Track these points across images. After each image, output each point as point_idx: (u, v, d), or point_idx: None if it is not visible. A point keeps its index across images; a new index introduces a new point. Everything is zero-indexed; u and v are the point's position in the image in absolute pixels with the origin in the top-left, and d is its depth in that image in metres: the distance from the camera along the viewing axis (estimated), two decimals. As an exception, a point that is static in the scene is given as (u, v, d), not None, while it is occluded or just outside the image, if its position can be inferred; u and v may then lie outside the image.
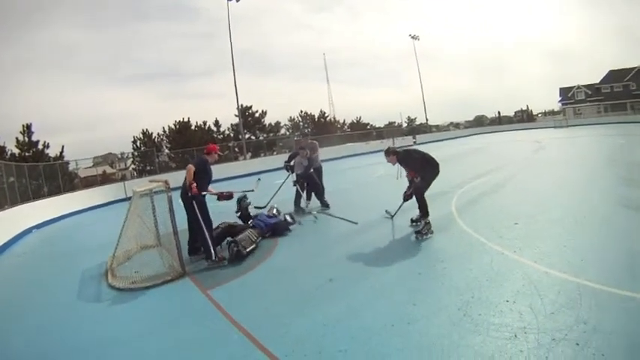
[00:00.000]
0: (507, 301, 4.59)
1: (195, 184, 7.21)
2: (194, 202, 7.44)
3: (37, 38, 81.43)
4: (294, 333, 4.48)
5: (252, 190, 9.09)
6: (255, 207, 10.47)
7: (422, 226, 7.75)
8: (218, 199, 8.07)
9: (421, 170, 7.82)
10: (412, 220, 8.30)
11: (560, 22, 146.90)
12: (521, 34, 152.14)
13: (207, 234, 7.55)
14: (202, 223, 7.53)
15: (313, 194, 11.79)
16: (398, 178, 8.20)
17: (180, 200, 7.62)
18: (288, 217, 9.75)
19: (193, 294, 6.25)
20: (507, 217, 8.18)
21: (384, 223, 8.97)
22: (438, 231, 7.78)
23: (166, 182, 7.40)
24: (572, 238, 6.55)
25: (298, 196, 11.53)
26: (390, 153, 8.16)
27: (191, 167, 7.46)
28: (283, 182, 11.54)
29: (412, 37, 64.14)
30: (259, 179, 10.23)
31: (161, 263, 7.86)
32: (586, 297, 4.47)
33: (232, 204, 9.04)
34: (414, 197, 7.94)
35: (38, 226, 17.70)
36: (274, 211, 10.04)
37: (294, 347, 4.16)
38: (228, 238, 8.10)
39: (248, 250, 7.88)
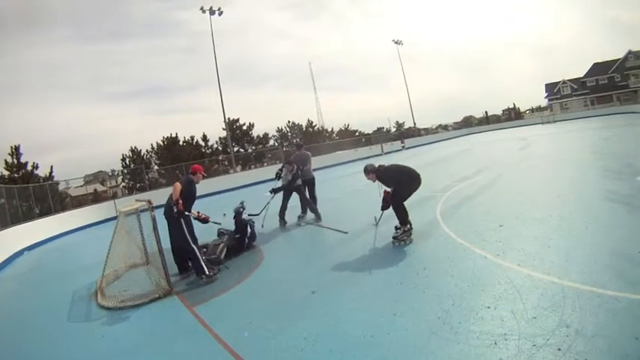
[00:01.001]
0: (488, 307, 4.59)
1: (181, 202, 7.27)
2: (182, 220, 7.48)
3: (21, 58, 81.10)
4: (276, 348, 4.51)
5: (219, 223, 9.02)
6: (250, 215, 10.43)
7: (400, 232, 7.80)
8: (194, 219, 7.99)
9: (398, 185, 7.83)
10: (396, 228, 8.29)
11: (543, 18, 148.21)
12: (505, 33, 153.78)
13: (197, 251, 7.57)
14: (190, 240, 7.55)
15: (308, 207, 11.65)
16: (380, 195, 8.18)
17: (164, 217, 7.69)
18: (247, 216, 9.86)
19: (180, 311, 6.29)
20: (492, 220, 8.19)
21: (370, 232, 8.96)
22: (422, 237, 7.83)
23: (149, 202, 7.44)
24: (556, 238, 6.55)
25: (283, 209, 11.40)
26: (368, 172, 8.21)
27: (178, 185, 7.53)
28: (274, 194, 11.43)
29: (395, 42, 64.25)
30: (225, 214, 10.70)
31: (149, 281, 7.86)
32: (569, 299, 4.47)
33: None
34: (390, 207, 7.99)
35: (29, 248, 17.66)
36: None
37: (275, 362, 4.20)
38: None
39: (222, 256, 8.39)
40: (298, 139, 54.00)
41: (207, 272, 7.50)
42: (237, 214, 9.59)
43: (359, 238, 8.70)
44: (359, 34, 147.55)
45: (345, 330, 4.67)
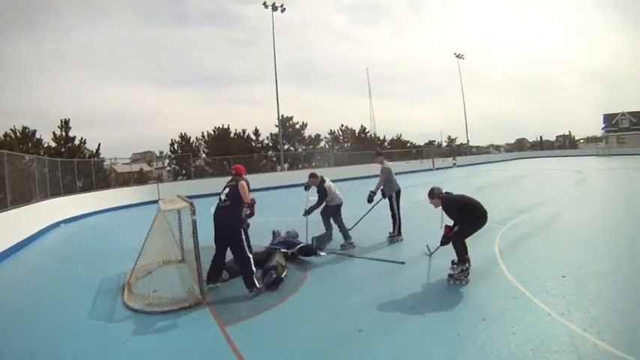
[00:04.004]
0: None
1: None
2: (242, 231, 7.18)
3: (85, 35, 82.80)
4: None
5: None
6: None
7: (457, 271, 7.20)
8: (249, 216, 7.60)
9: (463, 222, 7.23)
10: (453, 263, 7.69)
11: (609, 43, 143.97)
12: (565, 56, 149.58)
13: (252, 262, 7.19)
14: (247, 250, 7.20)
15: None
16: (442, 226, 7.60)
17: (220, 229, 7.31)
18: (314, 242, 9.47)
19: (210, 328, 5.82)
20: (554, 267, 7.54)
21: (422, 262, 8.42)
22: (480, 278, 7.21)
23: (192, 205, 6.97)
24: (622, 301, 5.89)
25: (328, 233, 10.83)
26: (434, 196, 7.60)
27: (245, 185, 7.26)
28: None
29: (457, 56, 63.54)
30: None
31: (181, 285, 7.48)
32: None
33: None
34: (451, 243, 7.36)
35: (67, 221, 17.99)
36: (289, 234, 9.82)
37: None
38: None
39: (282, 275, 7.59)
40: (347, 145, 53.93)
41: (257, 285, 7.08)
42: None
43: (411, 269, 8.14)
44: (417, 43, 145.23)
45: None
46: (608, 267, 7.43)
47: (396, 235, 10.57)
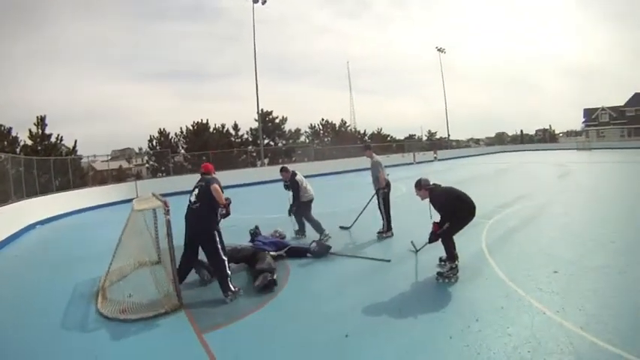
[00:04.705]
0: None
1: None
2: (215, 233, 6.86)
3: (58, 31, 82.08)
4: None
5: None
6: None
7: (446, 268, 6.93)
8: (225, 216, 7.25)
9: (452, 217, 6.90)
10: (440, 260, 7.48)
11: (588, 40, 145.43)
12: (547, 51, 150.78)
13: (227, 264, 6.87)
14: (222, 251, 6.87)
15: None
16: (431, 217, 7.29)
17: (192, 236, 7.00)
18: (314, 245, 9.00)
19: (186, 336, 5.46)
20: (544, 262, 7.35)
21: (409, 260, 8.16)
22: (470, 276, 6.94)
23: (166, 204, 6.60)
24: (617, 296, 5.75)
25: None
26: (421, 187, 7.27)
27: (218, 187, 6.91)
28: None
29: (438, 50, 63.74)
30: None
31: (156, 289, 7.08)
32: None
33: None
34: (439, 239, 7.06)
35: (42, 222, 17.56)
36: (277, 233, 9.55)
37: None
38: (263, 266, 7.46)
39: (275, 278, 7.24)
40: (327, 139, 53.83)
41: (233, 289, 6.72)
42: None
43: (397, 267, 7.86)
44: (398, 38, 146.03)
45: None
46: (599, 261, 7.27)
47: (384, 231, 10.31)
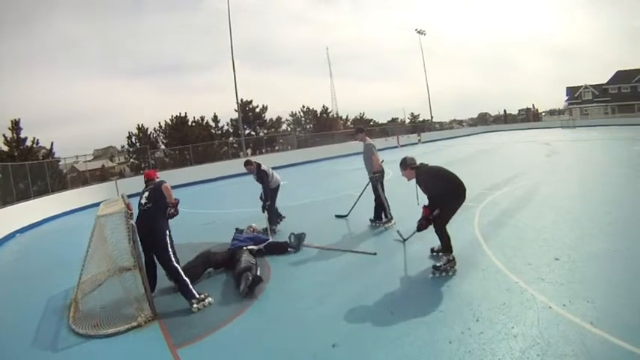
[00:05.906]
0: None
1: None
2: (167, 232, 6.62)
3: (34, 31, 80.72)
4: None
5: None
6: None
7: (443, 261, 6.39)
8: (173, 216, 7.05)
9: (442, 199, 6.36)
10: (432, 251, 7.05)
11: (569, 19, 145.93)
12: (528, 31, 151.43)
13: (182, 272, 6.43)
14: (174, 258, 6.58)
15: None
16: (418, 203, 6.82)
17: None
18: (291, 238, 8.69)
19: (159, 352, 5.01)
20: (544, 249, 6.95)
21: (396, 252, 7.70)
22: (467, 268, 6.47)
23: (129, 206, 6.25)
24: (623, 285, 5.33)
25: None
26: (407, 166, 6.73)
27: (168, 186, 6.74)
28: None
29: (418, 32, 63.16)
30: None
31: (129, 300, 6.51)
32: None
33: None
34: (430, 226, 6.54)
35: (22, 230, 17.04)
36: (251, 229, 9.21)
37: None
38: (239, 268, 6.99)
39: (258, 274, 6.87)
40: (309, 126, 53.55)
41: (197, 296, 6.27)
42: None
43: (385, 260, 7.38)
44: (378, 22, 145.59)
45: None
46: (600, 245, 6.89)
47: (385, 220, 9.78)
